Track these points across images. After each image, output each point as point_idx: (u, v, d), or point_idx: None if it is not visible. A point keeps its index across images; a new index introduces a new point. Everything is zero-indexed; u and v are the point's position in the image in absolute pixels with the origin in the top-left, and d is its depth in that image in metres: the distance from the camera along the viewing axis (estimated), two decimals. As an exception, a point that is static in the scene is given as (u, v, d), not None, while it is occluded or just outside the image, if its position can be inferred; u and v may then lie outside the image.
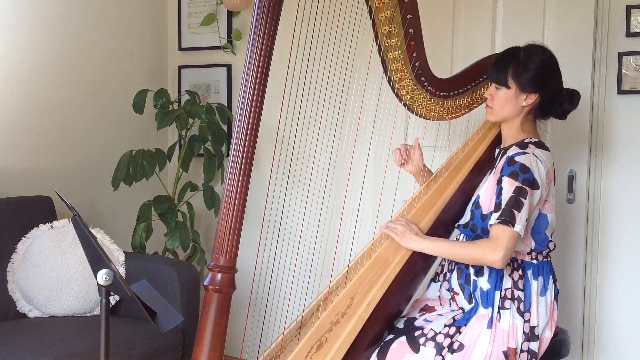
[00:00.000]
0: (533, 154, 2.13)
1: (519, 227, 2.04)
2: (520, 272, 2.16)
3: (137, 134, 3.67)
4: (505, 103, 2.21)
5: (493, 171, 2.25)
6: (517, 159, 2.10)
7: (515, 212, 2.04)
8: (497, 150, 2.34)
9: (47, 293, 2.75)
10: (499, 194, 2.10)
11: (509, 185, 2.07)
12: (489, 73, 2.27)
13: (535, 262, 2.18)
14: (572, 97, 2.26)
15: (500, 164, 2.18)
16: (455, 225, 2.33)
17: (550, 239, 2.21)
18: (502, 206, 2.06)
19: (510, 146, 2.21)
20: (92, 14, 3.43)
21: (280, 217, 3.22)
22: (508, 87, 2.19)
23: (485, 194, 2.20)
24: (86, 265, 2.62)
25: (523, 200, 2.05)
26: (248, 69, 1.76)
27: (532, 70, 2.17)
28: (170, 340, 2.75)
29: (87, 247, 1.61)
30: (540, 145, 2.20)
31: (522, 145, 2.18)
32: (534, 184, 2.09)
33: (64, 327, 2.64)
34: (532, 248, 2.18)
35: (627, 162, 2.86)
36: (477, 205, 2.21)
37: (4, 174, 3.04)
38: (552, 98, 2.22)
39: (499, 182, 2.11)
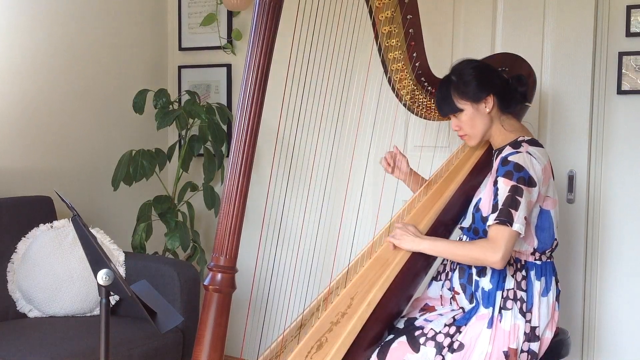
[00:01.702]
0: (527, 152, 2.14)
1: (517, 225, 2.04)
2: (523, 272, 2.16)
3: (137, 134, 3.67)
4: (473, 122, 2.23)
5: (491, 172, 2.26)
6: (510, 158, 2.11)
7: (513, 211, 2.04)
8: (493, 152, 2.34)
9: (47, 293, 2.75)
10: (495, 194, 2.10)
11: (505, 185, 2.08)
12: (440, 113, 2.31)
13: (538, 262, 2.18)
14: (520, 79, 2.29)
15: (495, 164, 2.19)
16: (459, 227, 2.33)
17: (555, 236, 2.21)
18: (499, 206, 2.06)
19: (504, 147, 2.22)
20: (92, 14, 3.43)
21: (280, 217, 3.22)
22: (462, 109, 2.21)
23: (485, 196, 2.20)
24: (86, 265, 2.62)
25: (519, 198, 2.05)
26: (248, 70, 1.76)
27: (471, 80, 2.20)
28: (170, 340, 2.75)
29: (87, 247, 1.61)
30: (533, 142, 2.20)
31: (516, 144, 2.19)
32: (530, 182, 2.09)
33: (64, 327, 2.64)
34: (535, 247, 2.17)
35: (627, 162, 2.85)
36: (477, 208, 2.21)
37: (4, 174, 3.04)
38: (505, 90, 2.24)
39: (495, 183, 2.12)
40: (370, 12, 2.19)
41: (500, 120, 2.25)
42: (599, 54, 2.87)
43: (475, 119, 2.22)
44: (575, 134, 2.88)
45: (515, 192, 2.06)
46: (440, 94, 2.26)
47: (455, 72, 2.25)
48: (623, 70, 2.81)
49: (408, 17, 2.21)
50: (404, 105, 2.46)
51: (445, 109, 2.26)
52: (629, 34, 2.80)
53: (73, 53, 3.34)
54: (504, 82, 2.26)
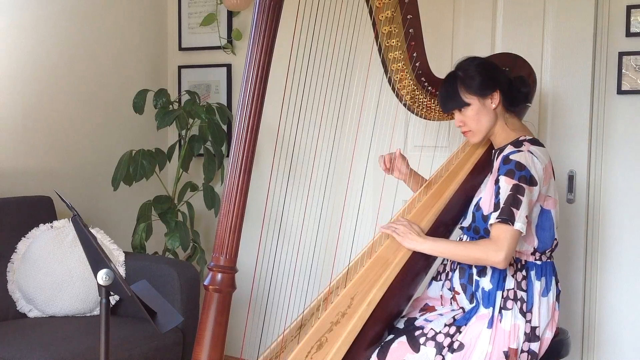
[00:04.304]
0: (528, 150, 2.14)
1: (519, 224, 2.04)
2: (523, 272, 2.16)
3: (137, 134, 3.67)
4: (478, 117, 2.22)
5: (491, 172, 2.26)
6: (512, 157, 2.11)
7: (514, 210, 2.04)
8: (493, 152, 2.34)
9: (47, 293, 2.75)
10: (497, 193, 2.10)
11: (506, 184, 2.08)
12: (444, 109, 2.29)
13: (539, 262, 2.18)
14: (523, 80, 2.29)
15: (496, 164, 2.19)
16: (459, 227, 2.33)
17: (555, 236, 2.21)
18: (501, 205, 2.06)
19: (505, 146, 2.22)
20: (92, 14, 3.43)
21: (281, 217, 3.23)
22: (469, 104, 2.21)
23: (485, 195, 2.20)
24: (86, 265, 2.62)
25: (521, 197, 2.06)
26: (248, 70, 1.76)
27: (478, 75, 2.20)
28: (170, 340, 2.75)
29: (87, 247, 1.61)
30: (535, 142, 2.21)
31: (517, 143, 2.19)
32: (531, 181, 2.09)
33: (64, 327, 2.64)
34: (536, 247, 2.17)
35: (627, 162, 2.86)
36: (478, 207, 2.21)
37: (4, 174, 3.04)
38: (510, 86, 2.25)
39: (497, 181, 2.12)
40: (371, 12, 2.19)
41: (504, 118, 2.25)
42: (599, 54, 2.87)
43: (481, 114, 2.22)
44: (575, 134, 2.88)
45: (517, 191, 2.06)
46: (445, 90, 2.25)
47: (461, 67, 2.24)
48: (623, 70, 2.81)
49: (408, 17, 2.21)
50: (404, 105, 2.46)
51: (450, 104, 2.24)
52: (629, 34, 2.80)
53: (73, 53, 3.34)
54: (508, 80, 2.26)
